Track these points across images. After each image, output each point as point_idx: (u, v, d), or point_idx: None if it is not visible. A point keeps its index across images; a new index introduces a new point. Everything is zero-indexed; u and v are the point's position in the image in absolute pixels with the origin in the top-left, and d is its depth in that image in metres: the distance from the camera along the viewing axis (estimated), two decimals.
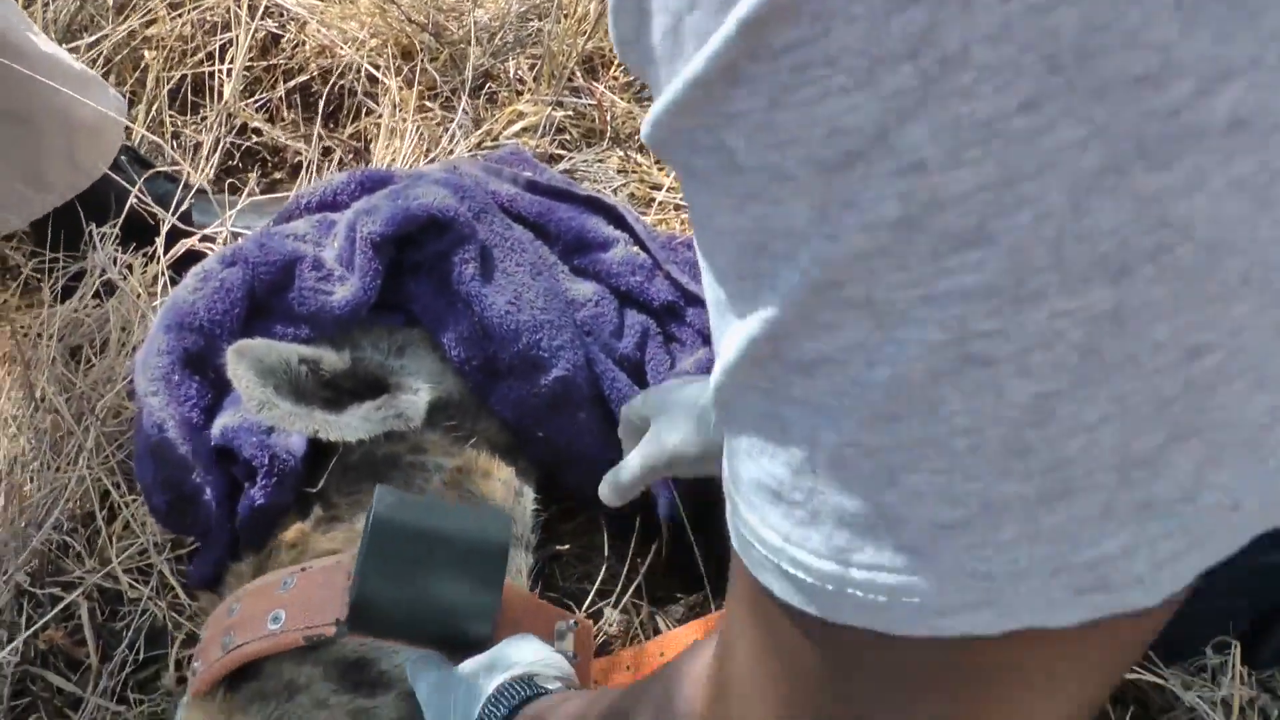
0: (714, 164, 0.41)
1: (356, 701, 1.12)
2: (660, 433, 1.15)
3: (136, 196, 1.77)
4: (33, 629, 1.50)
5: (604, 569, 1.43)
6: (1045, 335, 0.37)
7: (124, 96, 1.90)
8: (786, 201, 0.39)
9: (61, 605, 1.52)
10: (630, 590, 1.40)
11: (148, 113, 2.05)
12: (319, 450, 1.33)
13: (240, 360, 1.24)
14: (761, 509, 0.46)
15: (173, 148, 2.01)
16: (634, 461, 1.18)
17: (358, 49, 2.07)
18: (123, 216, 1.75)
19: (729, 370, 0.45)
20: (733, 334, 0.44)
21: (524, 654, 0.99)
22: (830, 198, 0.38)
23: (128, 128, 1.91)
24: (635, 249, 1.47)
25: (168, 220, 1.75)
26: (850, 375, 0.40)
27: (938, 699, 0.47)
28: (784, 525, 0.45)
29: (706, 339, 1.43)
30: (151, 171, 1.84)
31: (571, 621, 1.15)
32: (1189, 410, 0.38)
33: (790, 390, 0.43)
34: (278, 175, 2.05)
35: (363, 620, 1.06)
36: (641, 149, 1.89)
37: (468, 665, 1.01)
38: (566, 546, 1.45)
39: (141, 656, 1.50)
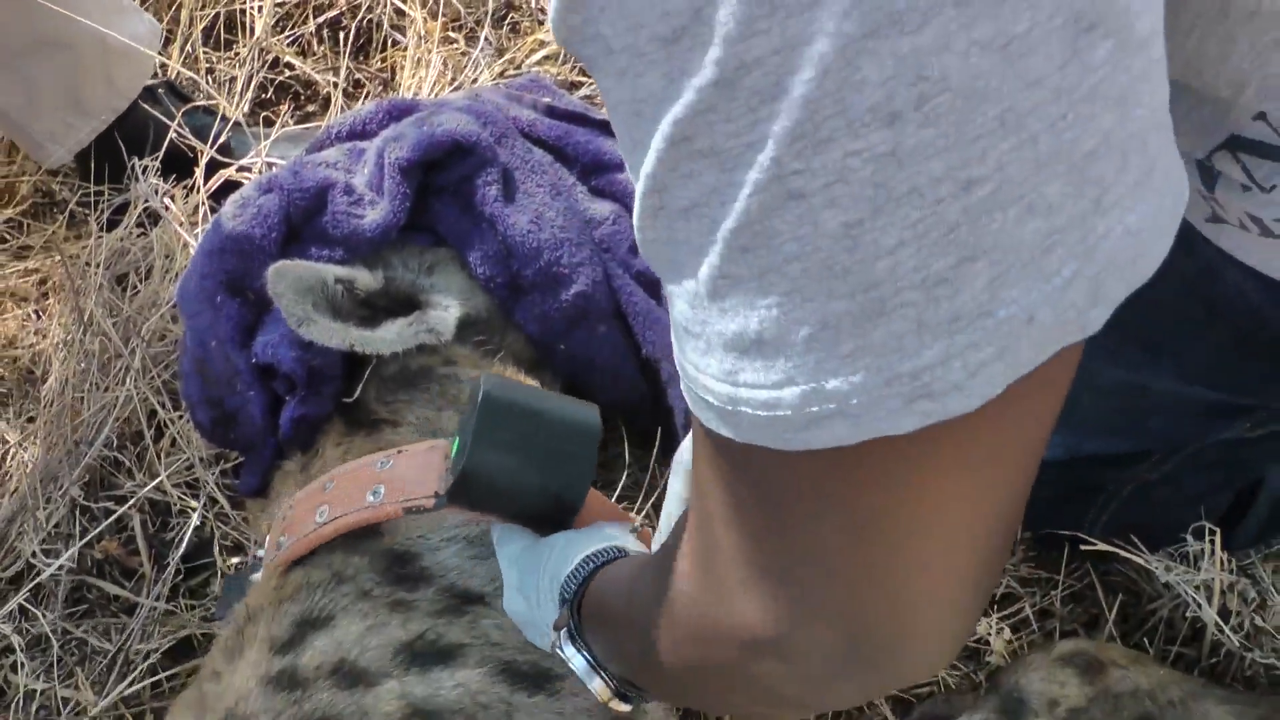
0: (598, 50, 0.49)
1: (398, 594, 1.21)
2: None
3: (175, 130, 1.84)
4: (87, 539, 1.59)
5: (625, 476, 1.50)
6: (841, 171, 0.45)
7: None
8: (645, 73, 0.48)
9: (114, 517, 1.62)
10: (653, 498, 1.47)
11: (182, 49, 2.11)
12: (354, 365, 1.41)
13: (280, 279, 1.32)
14: (682, 345, 0.55)
15: (208, 82, 2.08)
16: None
17: None
18: (163, 149, 1.83)
19: (638, 225, 0.54)
20: (636, 194, 0.53)
21: (613, 535, 1.07)
22: (671, 67, 0.46)
23: (164, 64, 1.98)
24: None
25: (206, 152, 1.82)
26: (711, 215, 0.49)
27: (837, 509, 0.55)
28: (694, 357, 0.54)
29: None
30: (189, 105, 1.92)
31: (640, 523, 1.22)
32: (972, 234, 0.46)
33: (676, 234, 0.51)
34: (310, 108, 2.12)
35: (468, 490, 1.14)
36: None
37: (559, 537, 1.10)
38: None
39: (190, 565, 1.59)
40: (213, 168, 1.83)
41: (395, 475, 1.25)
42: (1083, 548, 1.35)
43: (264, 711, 1.12)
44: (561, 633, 0.99)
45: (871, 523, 0.55)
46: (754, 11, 0.43)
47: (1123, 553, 1.33)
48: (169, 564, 1.57)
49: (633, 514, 1.24)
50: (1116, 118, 0.47)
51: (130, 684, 1.48)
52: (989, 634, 1.37)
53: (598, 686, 0.98)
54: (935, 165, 0.45)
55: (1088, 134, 0.47)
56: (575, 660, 0.98)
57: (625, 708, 1.00)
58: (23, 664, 1.50)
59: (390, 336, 1.34)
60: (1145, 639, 1.39)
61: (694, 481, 0.64)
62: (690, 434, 1.19)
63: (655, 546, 1.16)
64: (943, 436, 0.51)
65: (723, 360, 0.52)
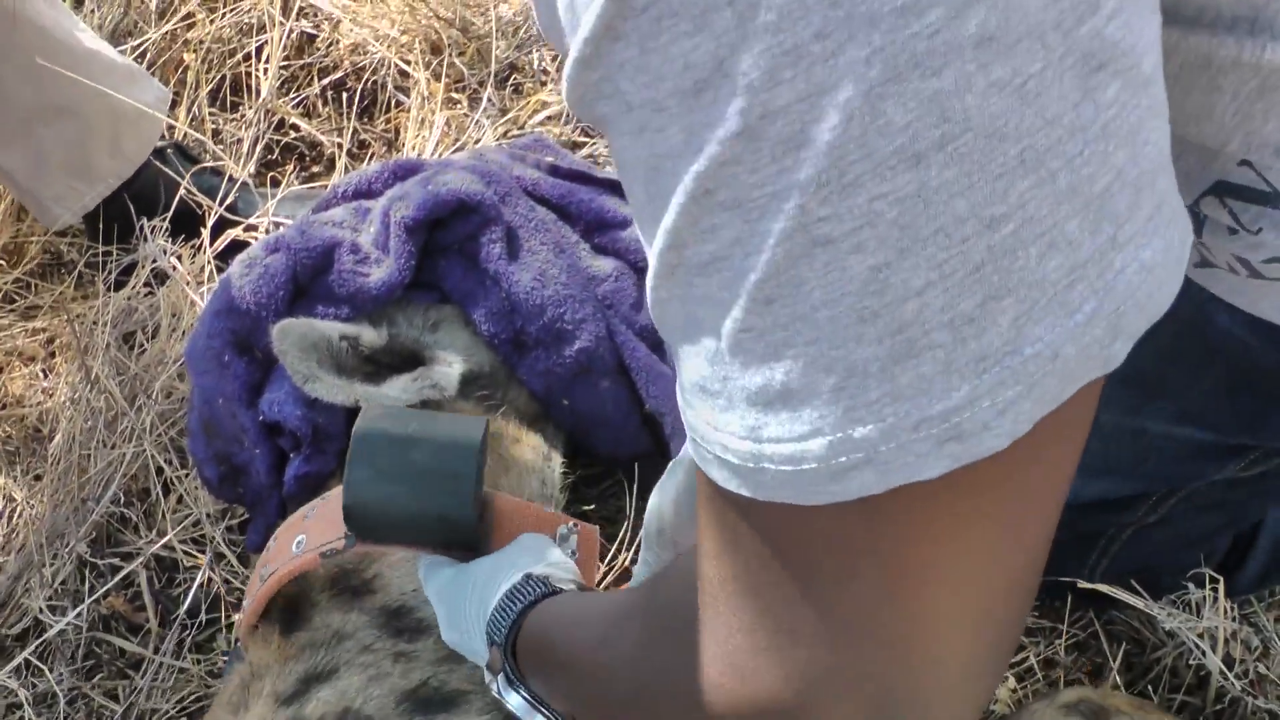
0: (615, 108, 0.50)
1: (399, 645, 1.22)
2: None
3: (185, 189, 1.87)
4: (94, 596, 1.60)
5: (626, 530, 1.51)
6: (868, 215, 0.47)
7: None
8: (666, 128, 0.49)
9: (122, 574, 1.62)
10: None
11: (189, 111, 2.14)
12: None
13: (285, 337, 1.34)
14: (696, 404, 0.55)
15: (214, 144, 2.11)
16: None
17: (388, 46, 2.17)
18: (172, 209, 1.85)
19: (652, 285, 0.55)
20: (651, 253, 0.53)
21: (535, 555, 1.06)
22: (693, 120, 0.47)
23: (171, 126, 2.01)
24: None
25: (214, 211, 1.85)
26: (734, 267, 0.49)
27: (867, 564, 0.54)
28: (712, 415, 0.54)
29: None
30: (197, 167, 1.94)
31: (572, 524, 1.22)
32: (997, 272, 0.47)
33: (694, 290, 0.52)
34: (315, 168, 2.15)
35: (359, 526, 1.15)
36: None
37: (480, 564, 1.09)
38: (592, 507, 1.54)
39: (199, 619, 1.60)
40: (220, 228, 1.86)
41: (315, 523, 1.26)
42: (1081, 586, 1.35)
43: None
44: (499, 677, 0.97)
45: (903, 578, 0.54)
46: (778, 61, 0.45)
47: (1125, 599, 1.33)
48: (176, 619, 1.58)
49: (560, 514, 1.23)
50: (1128, 154, 0.49)
51: None
52: None
53: None
54: (960, 204, 0.46)
55: (1103, 170, 0.48)
56: (514, 701, 0.96)
57: None
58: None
59: (394, 392, 1.35)
60: (1150, 687, 1.39)
61: (700, 547, 0.62)
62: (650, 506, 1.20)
63: (649, 535, 1.17)
64: (972, 480, 0.51)
65: (745, 416, 0.52)
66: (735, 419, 0.53)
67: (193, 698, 1.53)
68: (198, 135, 2.07)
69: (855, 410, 0.50)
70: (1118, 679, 1.38)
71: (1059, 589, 1.42)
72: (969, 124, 0.45)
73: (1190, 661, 1.34)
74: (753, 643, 0.58)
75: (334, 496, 1.25)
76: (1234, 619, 1.32)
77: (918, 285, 0.47)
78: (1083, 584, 1.35)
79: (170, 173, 1.91)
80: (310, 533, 1.24)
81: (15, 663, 1.54)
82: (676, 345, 0.56)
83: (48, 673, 1.54)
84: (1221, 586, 1.30)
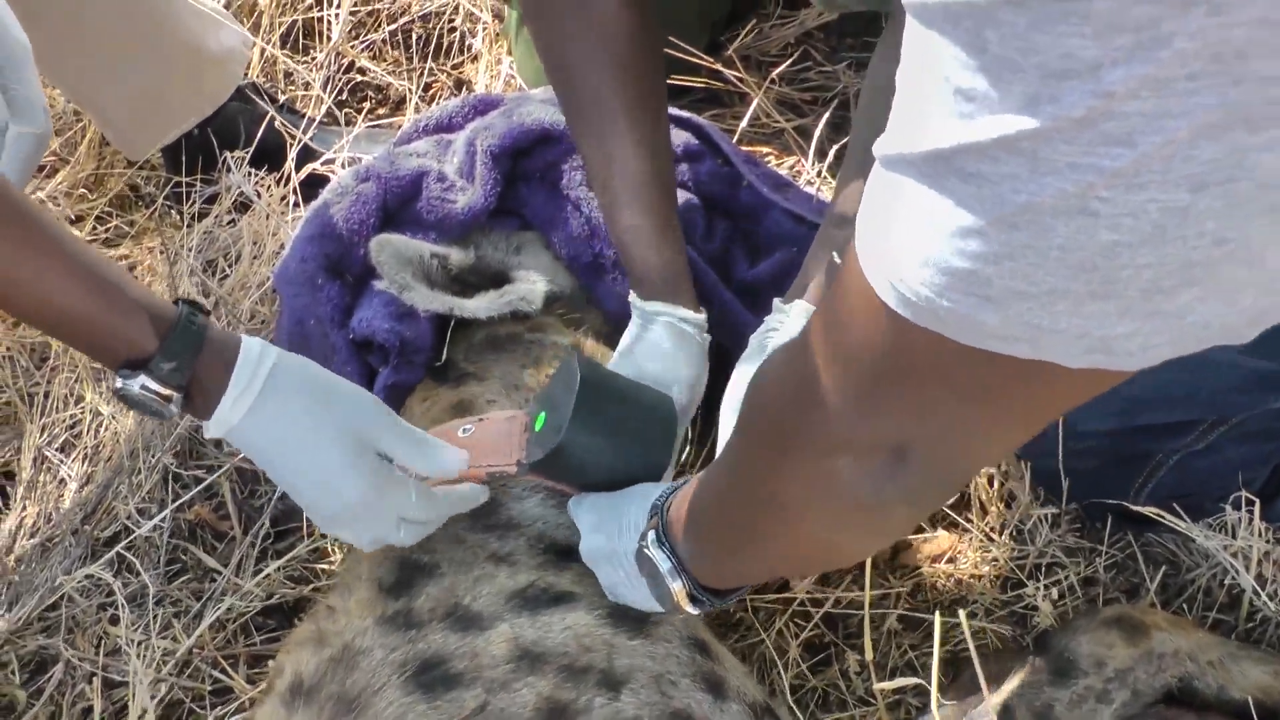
0: (964, 38, 0.59)
1: (490, 544, 1.30)
2: None
3: (275, 117, 1.96)
4: (179, 502, 1.69)
5: (687, 451, 1.59)
6: (1137, 210, 0.58)
7: None
8: (1008, 83, 0.58)
9: (204, 485, 1.71)
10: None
11: (262, 54, 2.23)
12: (442, 341, 1.51)
13: (382, 249, 1.42)
14: (902, 252, 0.67)
15: (285, 86, 2.19)
16: None
17: None
18: (255, 141, 1.93)
19: (929, 155, 0.64)
20: (932, 135, 0.63)
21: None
22: (1041, 92, 0.57)
23: (246, 63, 2.09)
24: (720, 162, 1.64)
25: (298, 140, 1.93)
26: (996, 190, 0.60)
27: (950, 390, 0.74)
28: (904, 265, 0.67)
29: (781, 242, 1.59)
30: (278, 104, 2.03)
31: None
32: (1202, 272, 0.60)
33: (947, 183, 0.63)
34: (382, 110, 2.23)
35: (558, 463, 1.25)
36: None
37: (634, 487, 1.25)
38: None
39: (279, 530, 1.69)
40: (299, 163, 1.94)
41: (476, 443, 1.34)
42: (1127, 514, 1.44)
43: (380, 647, 1.21)
44: (650, 535, 1.14)
45: (988, 404, 0.75)
46: (1145, 84, 0.55)
47: (1165, 521, 1.41)
48: (261, 527, 1.66)
49: None
50: None
51: (224, 632, 1.57)
52: (1036, 598, 1.45)
53: (676, 587, 1.13)
54: (1209, 224, 0.58)
55: None
56: (661, 560, 1.13)
57: (694, 611, 1.15)
58: (123, 614, 1.59)
59: (485, 304, 1.44)
60: (1184, 606, 1.47)
61: (839, 327, 0.78)
62: (734, 381, 1.37)
63: None
64: (1080, 374, 0.66)
65: (935, 278, 0.65)
66: (931, 274, 0.65)
67: (275, 597, 1.62)
68: (270, 78, 2.15)
69: (1037, 315, 0.63)
70: (1154, 599, 1.46)
71: (1098, 510, 1.50)
72: (1254, 174, 0.56)
73: (1224, 581, 1.43)
74: (854, 394, 0.79)
75: (495, 419, 1.34)
76: (1268, 540, 1.40)
77: (1140, 263, 0.60)
78: (1130, 507, 1.43)
79: (250, 108, 1.99)
80: (473, 451, 1.31)
81: (108, 556, 1.63)
82: (918, 196, 0.65)
83: (139, 569, 1.63)
84: (1257, 508, 1.38)
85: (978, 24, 0.58)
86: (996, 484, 1.55)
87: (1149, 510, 1.40)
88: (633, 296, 1.42)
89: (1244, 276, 0.60)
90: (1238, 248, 0.59)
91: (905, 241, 0.67)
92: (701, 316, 1.41)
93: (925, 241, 0.65)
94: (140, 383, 1.14)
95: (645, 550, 1.14)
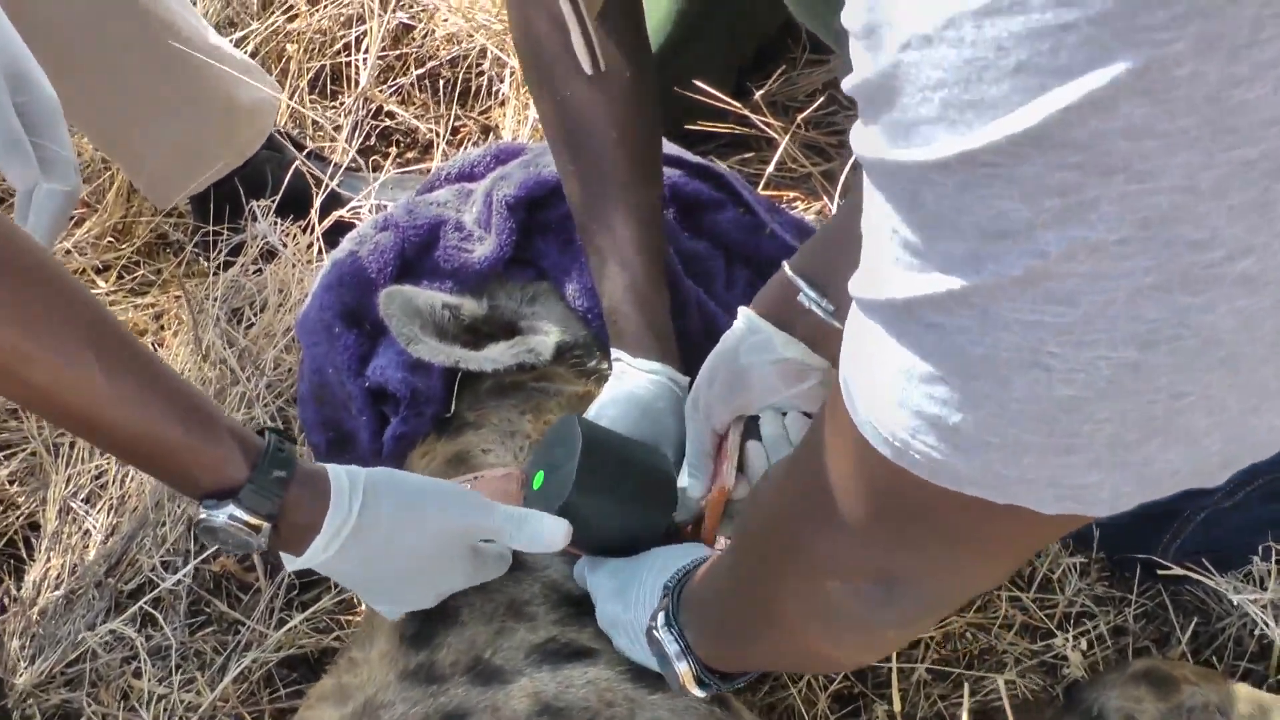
0: (902, 196, 0.59)
1: (508, 589, 1.30)
2: None
3: (301, 164, 1.97)
4: (205, 554, 1.69)
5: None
6: (1088, 366, 0.57)
7: None
8: (949, 239, 0.58)
9: None
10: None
11: (290, 99, 2.24)
12: (453, 390, 1.51)
13: (391, 302, 1.42)
14: (878, 391, 0.67)
15: (314, 131, 2.20)
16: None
17: (485, 34, 2.25)
18: (282, 189, 1.94)
19: (864, 284, 0.65)
20: (891, 284, 0.62)
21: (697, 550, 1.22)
22: (980, 250, 0.56)
23: (275, 114, 2.10)
24: (742, 210, 1.62)
25: (325, 188, 1.94)
26: (955, 341, 0.60)
27: (931, 529, 0.74)
28: (878, 406, 0.67)
29: None
30: (305, 152, 2.04)
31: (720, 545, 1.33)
32: (1164, 423, 0.59)
33: (911, 330, 0.62)
34: (410, 154, 2.24)
35: None
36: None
37: (654, 551, 1.25)
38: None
39: (305, 581, 1.69)
40: (325, 210, 1.95)
41: None
42: (1158, 571, 1.42)
43: (401, 701, 1.20)
44: (660, 616, 1.13)
45: (969, 542, 0.75)
46: (1077, 247, 0.54)
47: (1194, 575, 1.39)
48: (283, 580, 1.66)
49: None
50: None
51: (247, 683, 1.57)
52: (1066, 649, 1.43)
53: (683, 669, 1.11)
54: (1162, 380, 0.57)
55: (1273, 368, 0.58)
56: (669, 643, 1.11)
57: (701, 694, 1.14)
58: (146, 668, 1.59)
59: (494, 356, 1.44)
60: (1214, 657, 1.44)
61: (815, 459, 0.78)
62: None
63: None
64: (1052, 519, 0.66)
65: (910, 422, 0.65)
66: (904, 420, 0.65)
67: (298, 649, 1.61)
68: (298, 124, 2.16)
69: (1004, 467, 0.63)
70: (1184, 648, 1.44)
71: (1130, 563, 1.48)
72: (1199, 333, 0.55)
73: (1254, 632, 1.40)
74: (849, 516, 0.78)
75: (490, 479, 1.35)
76: None
77: (1100, 418, 0.59)
78: (1157, 564, 1.41)
79: (278, 155, 2.00)
80: None
81: (132, 611, 1.63)
82: (885, 348, 0.65)
83: (163, 623, 1.63)
84: None
85: (913, 183, 0.58)
86: None
87: (1178, 568, 1.39)
88: (620, 353, 1.42)
89: (1207, 424, 0.60)
90: (1197, 399, 0.58)
91: (882, 381, 0.66)
92: (686, 380, 1.41)
93: (898, 386, 0.65)
94: (229, 513, 1.10)
95: (654, 631, 1.13)
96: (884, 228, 0.61)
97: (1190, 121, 0.50)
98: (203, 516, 1.11)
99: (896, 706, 1.39)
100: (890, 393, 0.65)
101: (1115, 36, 0.49)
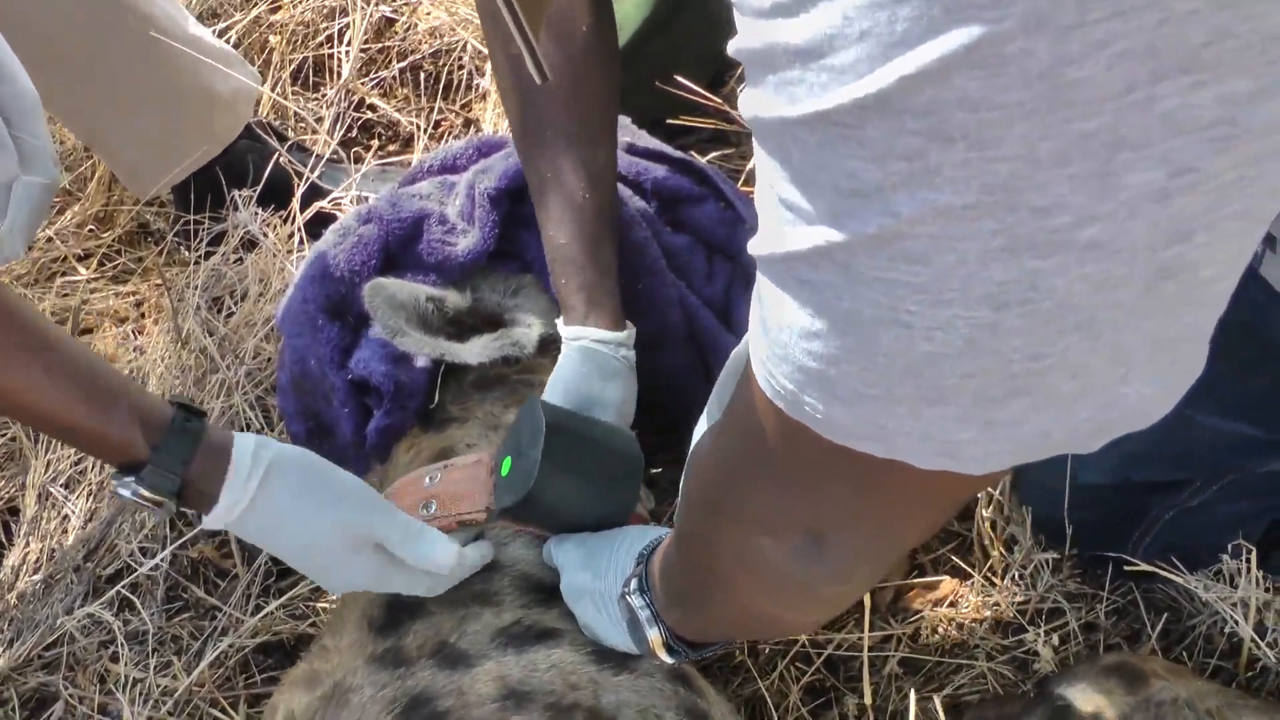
0: (775, 151, 0.62)
1: (474, 585, 1.31)
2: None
3: (283, 155, 1.97)
4: (180, 541, 1.69)
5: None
6: (946, 325, 0.60)
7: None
8: (812, 196, 0.60)
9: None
10: None
11: (272, 90, 2.24)
12: (436, 383, 1.51)
13: (376, 295, 1.43)
14: (771, 347, 0.70)
15: (296, 122, 2.21)
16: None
17: (467, 28, 2.26)
18: (263, 179, 1.94)
19: (752, 244, 0.67)
20: (772, 240, 0.65)
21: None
22: (839, 207, 0.59)
23: (257, 104, 2.10)
24: (724, 205, 1.64)
25: (305, 180, 1.94)
26: (823, 297, 0.62)
27: (841, 481, 0.76)
28: (771, 360, 0.70)
29: None
30: (287, 144, 2.04)
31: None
32: (1027, 383, 0.61)
33: (789, 286, 0.65)
34: (391, 146, 2.24)
35: (528, 509, 1.27)
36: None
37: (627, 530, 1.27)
38: (660, 470, 1.62)
39: (282, 568, 1.69)
40: (306, 201, 1.95)
41: (444, 490, 1.36)
42: (1126, 569, 1.44)
43: (369, 684, 1.21)
44: (633, 581, 1.16)
45: (877, 494, 0.76)
46: (926, 210, 0.56)
47: (1164, 573, 1.41)
48: (260, 565, 1.67)
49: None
50: (1161, 324, 0.60)
51: (223, 668, 1.58)
52: (1037, 644, 1.45)
53: (653, 635, 1.14)
54: (1017, 341, 0.59)
55: (1135, 335, 0.60)
56: (640, 609, 1.15)
57: (671, 660, 1.17)
58: (123, 653, 1.59)
59: (477, 349, 1.45)
60: (1185, 654, 1.46)
61: (751, 416, 0.79)
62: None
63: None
64: (937, 475, 0.68)
65: (794, 376, 0.68)
66: (790, 370, 0.68)
67: (274, 635, 1.62)
68: (280, 115, 2.16)
69: (882, 418, 0.65)
70: (1155, 645, 1.46)
71: (1102, 560, 1.50)
72: (1051, 295, 0.57)
73: (1224, 630, 1.42)
74: (756, 482, 0.83)
75: (461, 466, 1.36)
76: (1266, 589, 1.39)
77: (962, 373, 0.61)
78: (1128, 561, 1.43)
79: (260, 146, 2.01)
80: (440, 500, 1.35)
81: (109, 595, 1.64)
82: (781, 304, 0.67)
83: (140, 608, 1.64)
84: (1254, 557, 1.38)
85: (781, 141, 0.60)
86: (999, 528, 1.55)
87: (1147, 566, 1.41)
88: (558, 323, 1.44)
89: (1073, 388, 0.61)
90: (1056, 362, 0.60)
91: (772, 337, 0.69)
92: (621, 335, 1.42)
93: (782, 338, 0.67)
94: (133, 489, 1.17)
95: (627, 596, 1.16)
96: (765, 185, 0.64)
97: (1025, 95, 0.52)
98: (113, 487, 1.18)
99: (868, 699, 1.40)
100: (778, 348, 0.68)
101: (945, 12, 0.51)
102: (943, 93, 0.53)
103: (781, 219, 0.63)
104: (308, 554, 1.26)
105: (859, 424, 0.67)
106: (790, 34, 0.56)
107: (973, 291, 0.57)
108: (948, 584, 1.57)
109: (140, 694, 1.56)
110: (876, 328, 0.61)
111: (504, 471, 1.29)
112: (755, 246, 0.67)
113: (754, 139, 0.64)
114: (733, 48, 0.62)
